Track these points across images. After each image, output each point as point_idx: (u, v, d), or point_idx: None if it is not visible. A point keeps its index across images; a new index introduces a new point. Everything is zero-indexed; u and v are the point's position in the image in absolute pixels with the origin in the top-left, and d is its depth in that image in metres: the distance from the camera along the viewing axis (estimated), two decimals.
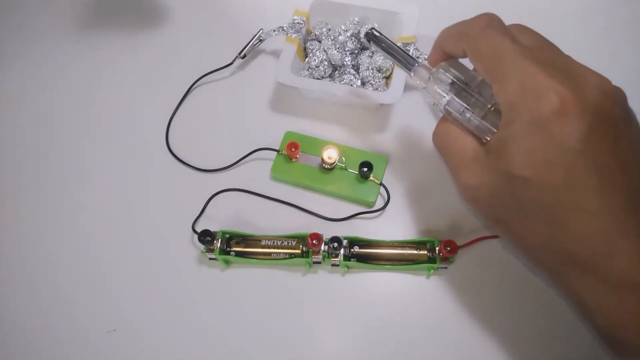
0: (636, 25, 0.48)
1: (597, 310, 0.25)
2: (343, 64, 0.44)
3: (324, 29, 0.45)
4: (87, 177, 0.42)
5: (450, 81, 0.30)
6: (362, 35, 0.44)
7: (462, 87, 0.30)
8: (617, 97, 0.25)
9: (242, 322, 0.36)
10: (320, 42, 0.45)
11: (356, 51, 0.45)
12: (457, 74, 0.30)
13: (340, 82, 0.43)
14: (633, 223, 0.24)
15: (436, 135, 0.31)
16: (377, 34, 0.33)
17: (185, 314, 0.37)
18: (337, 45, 0.44)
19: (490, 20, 0.28)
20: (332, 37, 0.45)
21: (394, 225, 0.39)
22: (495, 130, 0.28)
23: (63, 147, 0.43)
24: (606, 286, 0.24)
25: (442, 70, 0.30)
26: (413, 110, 0.44)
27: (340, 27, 0.45)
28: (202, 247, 0.36)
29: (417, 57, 0.42)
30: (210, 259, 0.38)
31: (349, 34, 0.44)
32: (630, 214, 0.24)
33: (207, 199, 0.40)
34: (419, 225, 0.39)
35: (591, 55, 0.46)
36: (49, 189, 0.42)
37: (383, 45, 0.33)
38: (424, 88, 0.31)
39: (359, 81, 0.43)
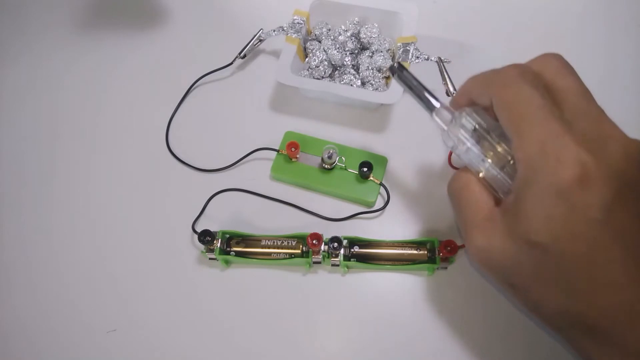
0: (636, 25, 0.48)
1: None
2: (343, 64, 0.44)
3: (324, 29, 0.45)
4: (87, 177, 0.42)
5: (472, 127, 0.28)
6: (363, 37, 0.44)
7: (483, 135, 0.28)
8: None
9: (242, 322, 0.36)
10: (320, 42, 0.45)
11: (356, 51, 0.45)
12: (480, 120, 0.28)
13: (340, 82, 0.43)
14: None
15: (453, 184, 0.29)
16: (404, 69, 0.31)
17: (185, 314, 0.37)
18: (337, 45, 0.44)
19: (522, 71, 0.26)
20: (332, 37, 0.45)
21: (394, 225, 0.39)
22: (511, 183, 0.27)
23: (63, 148, 0.43)
24: (625, 359, 0.23)
25: (465, 114, 0.29)
26: (413, 110, 0.44)
27: (340, 27, 0.45)
28: (202, 247, 0.36)
29: (418, 57, 0.42)
30: (210, 259, 0.38)
31: (349, 34, 0.44)
32: None
33: (207, 199, 0.40)
34: (419, 225, 0.39)
35: (591, 55, 0.46)
36: (48, 188, 0.42)
37: (408, 82, 0.31)
38: (444, 130, 0.30)
39: (359, 81, 0.43)
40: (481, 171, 0.28)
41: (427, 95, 0.31)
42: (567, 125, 0.24)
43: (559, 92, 0.26)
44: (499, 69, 0.27)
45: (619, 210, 0.23)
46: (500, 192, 0.27)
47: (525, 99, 0.25)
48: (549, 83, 0.26)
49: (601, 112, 0.26)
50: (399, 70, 0.31)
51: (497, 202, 0.27)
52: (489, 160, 0.28)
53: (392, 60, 0.43)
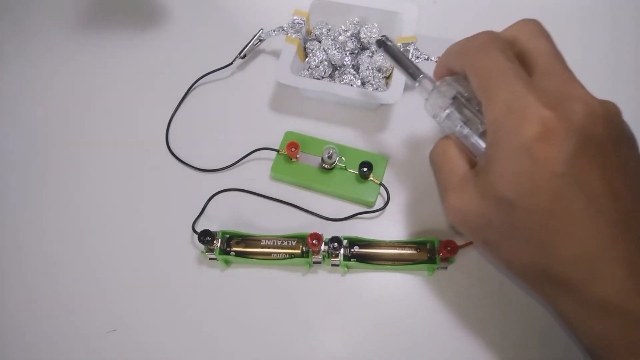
0: (636, 24, 0.48)
1: (583, 331, 0.25)
2: (343, 64, 0.44)
3: (324, 29, 0.45)
4: (87, 177, 0.42)
5: (452, 95, 0.29)
6: (363, 37, 0.44)
7: (463, 103, 0.29)
8: (608, 117, 0.24)
9: (242, 322, 0.36)
10: (320, 42, 0.45)
11: (356, 51, 0.45)
12: (460, 88, 0.29)
13: (340, 82, 0.43)
14: (620, 247, 0.23)
15: (433, 152, 0.31)
16: (389, 42, 0.33)
17: (185, 314, 0.37)
18: (337, 45, 0.44)
19: (490, 38, 0.27)
20: (332, 37, 0.45)
21: (394, 225, 0.39)
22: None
23: (62, 147, 0.43)
24: (591, 309, 0.24)
25: (445, 83, 0.30)
26: (413, 110, 0.44)
27: (340, 27, 0.45)
28: (202, 247, 0.36)
29: (418, 57, 0.42)
30: (210, 259, 0.38)
31: (349, 34, 0.44)
32: (617, 239, 0.24)
33: (207, 199, 0.40)
34: (419, 225, 0.39)
35: (592, 56, 0.46)
36: (48, 188, 0.42)
37: (392, 53, 0.33)
38: (426, 100, 0.31)
39: (359, 81, 0.43)
40: (461, 137, 0.29)
41: (410, 66, 0.32)
42: (532, 86, 0.25)
43: (531, 55, 0.27)
44: (471, 36, 0.28)
45: (580, 163, 0.24)
46: (479, 157, 0.28)
47: (492, 64, 0.26)
48: (522, 47, 0.27)
49: (569, 72, 0.26)
50: (384, 44, 0.33)
51: (475, 166, 0.28)
52: (467, 127, 0.29)
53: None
